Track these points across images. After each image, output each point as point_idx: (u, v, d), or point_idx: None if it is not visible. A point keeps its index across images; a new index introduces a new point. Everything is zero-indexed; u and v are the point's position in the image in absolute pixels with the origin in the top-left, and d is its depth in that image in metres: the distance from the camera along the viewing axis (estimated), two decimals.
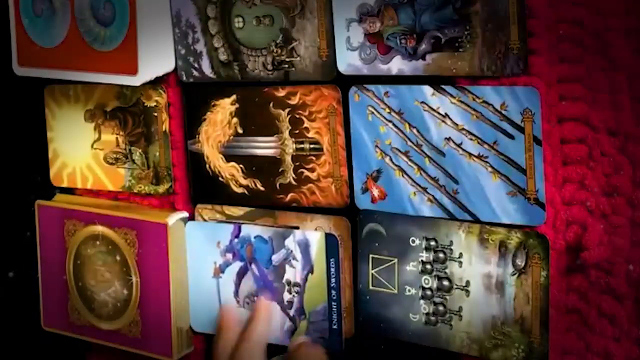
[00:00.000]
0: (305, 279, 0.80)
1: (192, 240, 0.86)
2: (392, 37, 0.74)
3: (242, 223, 0.84)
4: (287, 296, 0.81)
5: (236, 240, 0.84)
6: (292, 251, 0.80)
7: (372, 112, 0.77)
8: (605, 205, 0.70)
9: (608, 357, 0.70)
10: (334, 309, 0.79)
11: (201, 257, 0.86)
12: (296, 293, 0.81)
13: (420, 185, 0.76)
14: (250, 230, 0.83)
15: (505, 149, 0.71)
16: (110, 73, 0.82)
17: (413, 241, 0.76)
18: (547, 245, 0.70)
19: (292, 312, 0.81)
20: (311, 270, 0.80)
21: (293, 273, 0.81)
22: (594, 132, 0.70)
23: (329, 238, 0.78)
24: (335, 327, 0.79)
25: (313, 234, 0.79)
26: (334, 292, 0.78)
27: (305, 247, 0.80)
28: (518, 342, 0.72)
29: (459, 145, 0.73)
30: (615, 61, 0.68)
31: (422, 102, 0.74)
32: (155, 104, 0.87)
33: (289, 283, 0.81)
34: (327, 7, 0.76)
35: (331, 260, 0.78)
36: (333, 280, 0.78)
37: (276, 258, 0.82)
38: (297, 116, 0.80)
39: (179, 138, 0.87)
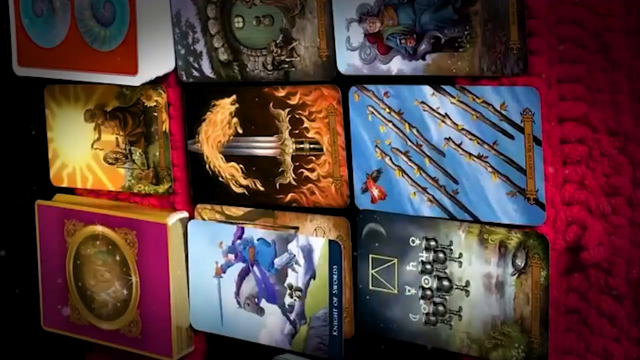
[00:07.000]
0: (307, 284, 0.80)
1: (194, 239, 0.86)
2: (392, 37, 0.74)
3: (242, 223, 0.84)
4: (288, 300, 0.81)
5: (239, 241, 0.84)
6: (294, 255, 0.80)
7: (372, 112, 0.77)
8: (605, 205, 0.70)
9: (608, 357, 0.70)
10: (335, 316, 0.79)
11: (203, 256, 0.86)
12: (297, 297, 0.81)
13: (420, 185, 0.75)
14: (254, 233, 0.83)
15: (505, 149, 0.71)
16: (110, 73, 0.82)
17: (413, 241, 0.76)
18: (547, 246, 0.70)
19: (292, 316, 0.81)
20: (313, 276, 0.79)
21: (295, 277, 0.81)
22: (594, 132, 0.69)
23: (333, 245, 0.78)
24: (335, 333, 0.79)
25: (316, 240, 0.79)
26: (335, 299, 0.78)
27: (308, 252, 0.79)
28: (518, 342, 0.72)
29: (458, 146, 0.73)
30: (615, 61, 0.68)
31: (422, 102, 0.74)
32: (155, 104, 0.87)
33: (290, 287, 0.81)
34: (327, 7, 0.76)
35: (334, 267, 0.78)
36: (335, 286, 0.78)
37: (279, 262, 0.81)
38: (297, 116, 0.80)
39: (179, 138, 0.87)
